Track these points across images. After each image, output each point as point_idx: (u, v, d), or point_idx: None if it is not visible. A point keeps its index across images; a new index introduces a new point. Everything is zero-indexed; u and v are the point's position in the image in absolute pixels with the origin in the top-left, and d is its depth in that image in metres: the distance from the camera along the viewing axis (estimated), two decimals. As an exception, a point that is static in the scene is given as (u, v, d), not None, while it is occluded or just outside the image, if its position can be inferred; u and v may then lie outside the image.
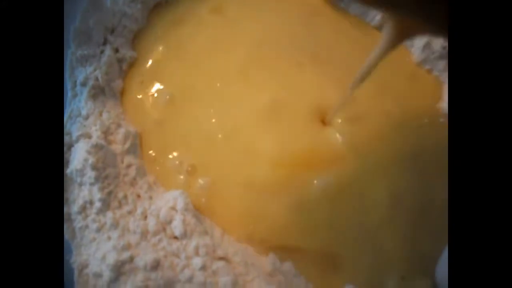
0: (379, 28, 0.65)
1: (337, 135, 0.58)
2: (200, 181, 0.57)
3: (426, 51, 0.63)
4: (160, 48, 0.64)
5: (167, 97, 0.62)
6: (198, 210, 0.57)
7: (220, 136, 0.58)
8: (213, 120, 0.59)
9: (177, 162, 0.58)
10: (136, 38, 0.65)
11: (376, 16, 0.64)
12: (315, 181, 0.57)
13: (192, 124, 0.60)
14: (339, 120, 0.59)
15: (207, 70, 0.62)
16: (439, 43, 0.62)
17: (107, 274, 0.51)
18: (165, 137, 0.60)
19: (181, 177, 0.58)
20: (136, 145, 0.59)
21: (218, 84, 0.61)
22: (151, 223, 0.53)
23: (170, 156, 0.59)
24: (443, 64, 0.63)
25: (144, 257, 0.51)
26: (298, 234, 0.55)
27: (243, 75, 0.61)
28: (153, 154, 0.60)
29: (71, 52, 0.62)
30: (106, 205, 0.54)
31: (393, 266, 0.55)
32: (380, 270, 0.55)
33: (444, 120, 0.62)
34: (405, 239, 0.56)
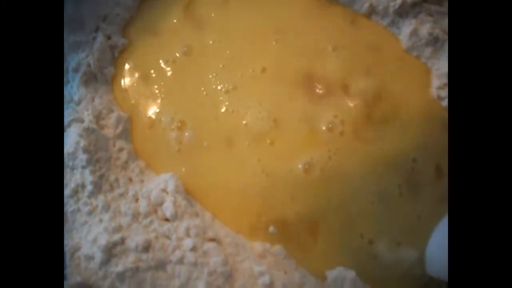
0: (367, 16, 0.66)
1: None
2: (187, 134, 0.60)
3: (413, 38, 0.63)
4: (147, 39, 0.66)
5: (155, 85, 0.64)
6: (189, 194, 0.58)
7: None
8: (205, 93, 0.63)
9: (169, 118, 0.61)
10: (127, 26, 0.66)
11: (364, 4, 0.65)
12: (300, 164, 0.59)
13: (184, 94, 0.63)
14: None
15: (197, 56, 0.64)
16: (426, 30, 0.63)
17: (98, 256, 0.51)
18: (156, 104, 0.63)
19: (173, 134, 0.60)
20: (128, 130, 0.60)
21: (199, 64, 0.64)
22: (142, 205, 0.54)
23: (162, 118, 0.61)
24: (430, 51, 0.63)
25: (135, 238, 0.52)
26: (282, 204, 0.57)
27: (232, 57, 0.64)
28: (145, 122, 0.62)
29: (64, 39, 0.62)
30: (97, 188, 0.55)
31: (368, 227, 0.57)
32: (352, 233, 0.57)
33: (433, 105, 0.63)
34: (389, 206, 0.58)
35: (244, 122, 0.60)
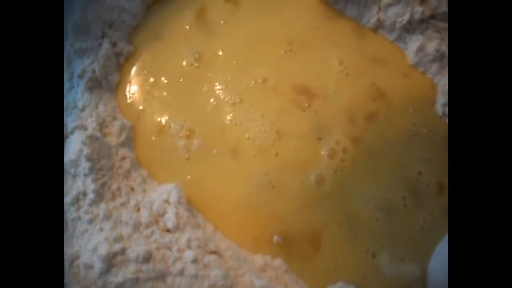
0: (374, 30, 0.66)
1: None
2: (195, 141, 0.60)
3: (420, 53, 0.63)
4: (155, 45, 0.66)
5: (163, 92, 0.63)
6: (191, 205, 0.57)
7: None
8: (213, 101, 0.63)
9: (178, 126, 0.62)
10: (133, 33, 0.66)
11: (372, 18, 0.65)
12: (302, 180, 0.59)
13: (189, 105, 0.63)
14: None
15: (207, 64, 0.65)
16: (432, 46, 0.63)
17: (98, 266, 0.51)
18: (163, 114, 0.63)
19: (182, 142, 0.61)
20: (131, 138, 0.60)
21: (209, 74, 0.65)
22: (144, 215, 0.54)
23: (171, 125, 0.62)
24: (436, 67, 0.64)
25: (136, 248, 0.51)
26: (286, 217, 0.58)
27: (238, 66, 0.64)
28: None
29: (69, 44, 0.62)
30: (99, 196, 0.54)
31: (371, 241, 0.57)
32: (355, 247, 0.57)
33: (438, 122, 0.63)
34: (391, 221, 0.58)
35: (247, 135, 0.61)
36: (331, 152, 0.60)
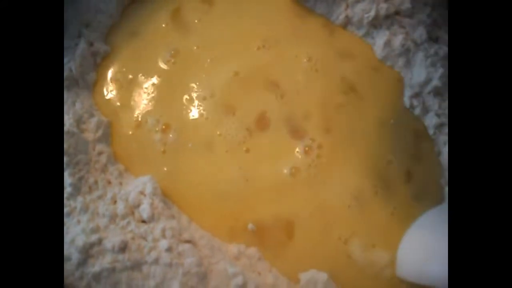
0: (343, 26, 0.69)
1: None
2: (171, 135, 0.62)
3: (387, 48, 0.66)
4: (131, 44, 0.67)
5: (140, 88, 0.66)
6: (167, 197, 0.59)
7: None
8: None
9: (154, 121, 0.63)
10: (110, 33, 0.68)
11: (340, 15, 0.68)
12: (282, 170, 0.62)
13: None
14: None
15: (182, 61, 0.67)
16: (398, 41, 0.65)
17: (75, 257, 0.52)
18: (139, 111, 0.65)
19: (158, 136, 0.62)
20: (108, 134, 0.62)
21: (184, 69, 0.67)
22: (120, 207, 0.55)
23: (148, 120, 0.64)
24: (403, 61, 0.66)
25: (112, 239, 0.53)
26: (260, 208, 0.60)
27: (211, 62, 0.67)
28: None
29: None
30: (76, 190, 0.56)
31: (343, 229, 0.59)
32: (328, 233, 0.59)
33: (405, 113, 0.66)
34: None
35: (218, 132, 0.63)
36: (306, 148, 0.62)
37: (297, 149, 0.62)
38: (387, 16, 0.66)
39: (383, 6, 0.65)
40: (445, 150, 0.63)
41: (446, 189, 0.62)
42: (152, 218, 0.55)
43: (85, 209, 0.55)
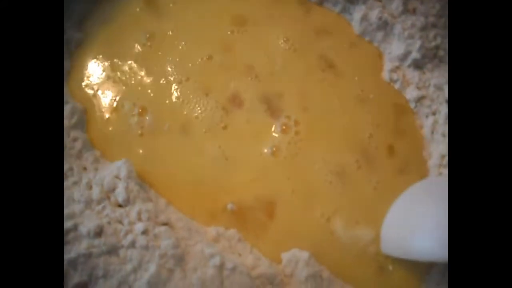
0: (319, 3, 0.68)
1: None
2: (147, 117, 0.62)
3: (364, 23, 0.65)
4: (106, 30, 0.67)
5: (116, 73, 0.65)
6: (144, 180, 0.59)
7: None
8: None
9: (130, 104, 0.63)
10: (84, 20, 0.67)
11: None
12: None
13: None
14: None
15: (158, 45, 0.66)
16: (375, 15, 0.64)
17: (51, 243, 0.52)
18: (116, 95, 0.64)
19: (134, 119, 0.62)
20: (84, 121, 0.61)
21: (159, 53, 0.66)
22: (95, 192, 0.55)
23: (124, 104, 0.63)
24: (381, 35, 0.65)
25: (88, 224, 0.52)
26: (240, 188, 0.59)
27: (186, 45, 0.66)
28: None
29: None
30: (51, 177, 0.55)
31: (325, 206, 0.59)
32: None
33: (385, 87, 0.64)
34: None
35: (195, 114, 0.62)
36: (284, 127, 0.61)
37: (273, 127, 0.61)
38: (363, -10, 0.65)
39: (358, -20, 0.64)
40: (427, 123, 0.62)
41: (429, 162, 0.61)
42: (127, 202, 0.54)
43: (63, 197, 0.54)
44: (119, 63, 0.65)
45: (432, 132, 0.61)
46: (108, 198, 0.55)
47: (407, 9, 0.64)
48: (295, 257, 0.55)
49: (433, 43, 0.63)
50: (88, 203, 0.54)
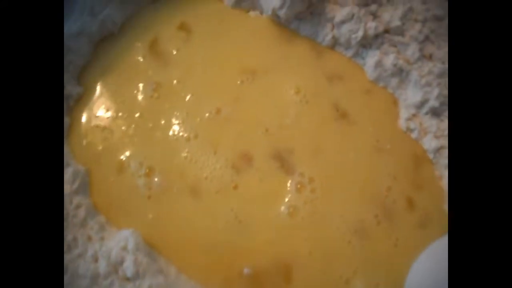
0: (331, 47, 0.65)
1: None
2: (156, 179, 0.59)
3: (378, 69, 0.62)
4: (107, 82, 0.64)
5: (121, 129, 0.62)
6: (153, 247, 0.55)
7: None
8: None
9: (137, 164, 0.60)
10: (82, 73, 0.64)
11: (327, 36, 0.64)
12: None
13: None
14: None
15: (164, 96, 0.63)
16: (390, 61, 0.61)
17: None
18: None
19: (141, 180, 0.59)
20: (86, 183, 0.58)
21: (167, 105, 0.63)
22: (102, 265, 0.52)
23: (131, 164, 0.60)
24: (396, 81, 0.62)
25: (95, 302, 0.49)
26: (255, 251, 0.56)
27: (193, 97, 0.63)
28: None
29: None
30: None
31: (344, 267, 0.56)
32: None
33: (402, 137, 0.62)
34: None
35: (204, 174, 0.59)
36: (298, 186, 0.59)
37: (288, 186, 0.58)
38: (376, 35, 0.62)
39: (371, 25, 0.61)
40: (447, 174, 0.59)
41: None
42: (137, 276, 0.51)
43: (64, 271, 0.51)
44: (122, 118, 0.62)
45: (453, 184, 0.59)
46: (116, 271, 0.52)
47: (423, 55, 0.61)
48: (314, 325, 0.53)
49: (452, 90, 0.60)
50: (95, 278, 0.51)
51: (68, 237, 0.53)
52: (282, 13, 0.63)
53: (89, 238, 0.54)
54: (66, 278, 0.51)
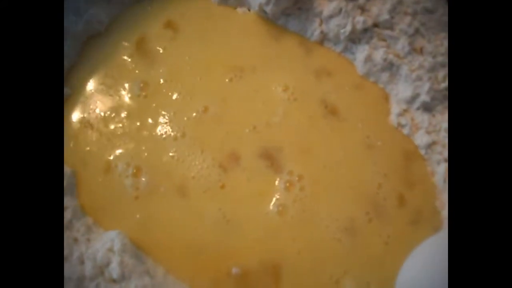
0: (320, 42, 0.64)
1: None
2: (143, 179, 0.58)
3: (368, 63, 0.61)
4: (94, 82, 0.63)
5: (108, 129, 0.61)
6: (140, 248, 0.55)
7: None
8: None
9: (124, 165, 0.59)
10: (69, 75, 0.63)
11: (315, 31, 0.63)
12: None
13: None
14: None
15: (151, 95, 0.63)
16: (379, 55, 0.60)
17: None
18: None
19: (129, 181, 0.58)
20: (73, 185, 0.58)
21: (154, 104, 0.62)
22: (88, 267, 0.51)
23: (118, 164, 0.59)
24: (386, 76, 0.61)
25: (81, 304, 0.49)
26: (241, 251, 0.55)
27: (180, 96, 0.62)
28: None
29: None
30: (40, 252, 0.52)
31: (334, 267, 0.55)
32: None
33: (393, 133, 0.61)
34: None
35: (192, 174, 0.58)
36: (287, 184, 0.58)
37: (277, 184, 0.57)
38: (365, 30, 0.61)
39: (360, 20, 0.60)
40: (439, 171, 0.58)
41: (443, 213, 0.57)
42: (122, 277, 0.51)
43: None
44: (110, 119, 0.61)
45: (445, 180, 0.57)
46: (102, 273, 0.51)
47: (414, 49, 0.60)
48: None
49: (443, 85, 0.58)
50: (81, 280, 0.51)
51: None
52: (268, 9, 0.62)
53: (75, 240, 0.54)
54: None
